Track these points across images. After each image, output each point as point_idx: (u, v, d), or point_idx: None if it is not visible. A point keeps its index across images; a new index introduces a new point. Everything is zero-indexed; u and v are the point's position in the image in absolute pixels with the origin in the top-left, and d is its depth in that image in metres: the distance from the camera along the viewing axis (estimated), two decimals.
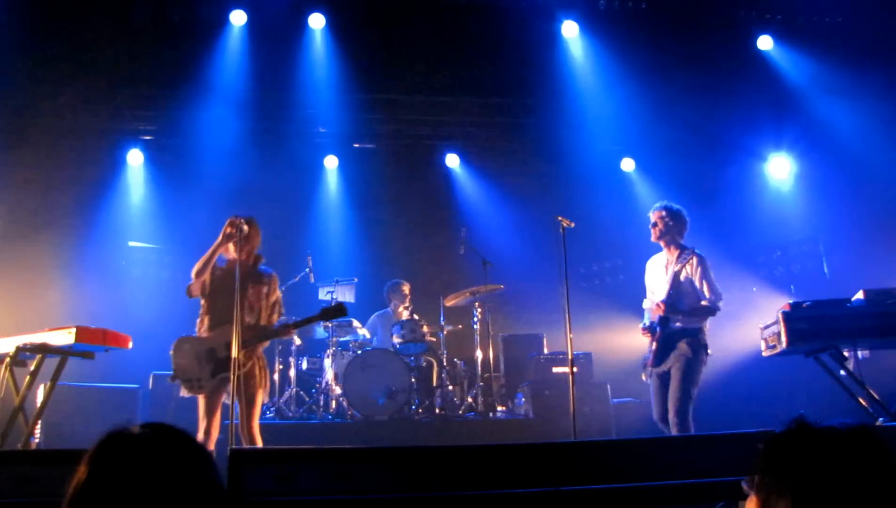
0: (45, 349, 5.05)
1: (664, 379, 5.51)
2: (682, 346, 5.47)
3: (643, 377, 5.72)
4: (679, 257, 5.62)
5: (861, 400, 5.11)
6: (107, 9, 8.48)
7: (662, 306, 5.51)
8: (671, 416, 5.36)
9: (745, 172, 9.95)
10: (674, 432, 5.32)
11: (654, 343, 5.56)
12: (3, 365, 5.06)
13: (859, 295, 5.09)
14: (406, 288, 8.88)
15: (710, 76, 8.99)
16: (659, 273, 5.76)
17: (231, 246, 5.12)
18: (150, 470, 1.39)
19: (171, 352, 5.07)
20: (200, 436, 4.89)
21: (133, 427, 1.46)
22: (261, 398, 5.15)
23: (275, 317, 5.37)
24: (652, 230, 5.75)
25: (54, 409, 6.26)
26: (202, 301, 5.25)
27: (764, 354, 5.56)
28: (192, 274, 5.18)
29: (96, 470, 1.40)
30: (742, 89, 9.28)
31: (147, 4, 8.61)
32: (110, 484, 1.38)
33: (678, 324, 5.55)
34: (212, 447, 4.82)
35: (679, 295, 5.56)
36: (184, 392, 5.05)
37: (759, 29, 9.24)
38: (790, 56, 9.16)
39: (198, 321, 5.26)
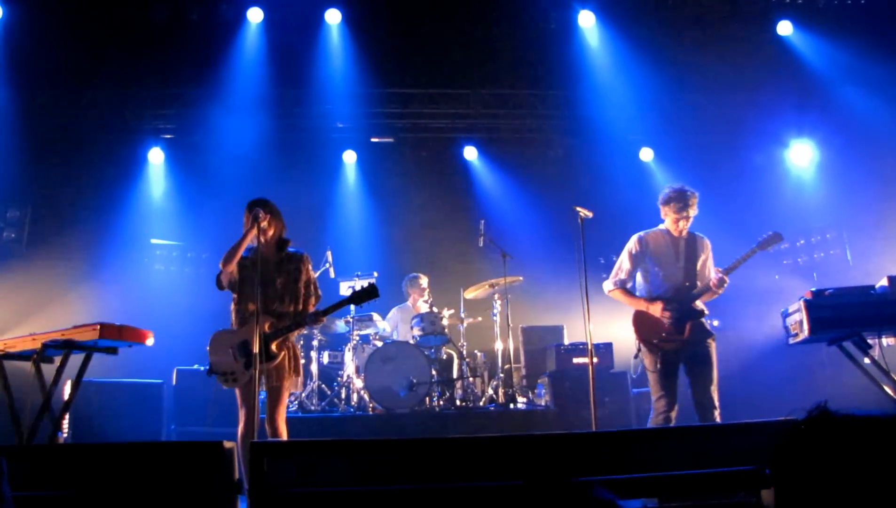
0: (70, 346, 5.13)
1: (699, 360, 5.36)
2: (710, 329, 5.49)
3: (653, 360, 5.42)
4: (695, 238, 5.63)
5: (887, 388, 5.04)
6: (126, 9, 8.58)
7: (723, 280, 5.39)
8: (716, 400, 5.27)
9: (767, 159, 9.85)
10: (718, 418, 5.22)
11: (681, 322, 5.40)
12: (31, 362, 5.16)
13: (883, 282, 5.03)
14: (424, 281, 8.89)
15: (729, 63, 8.90)
16: (668, 251, 5.61)
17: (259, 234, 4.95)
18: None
19: (207, 348, 5.00)
20: (241, 427, 4.84)
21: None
22: (287, 389, 5.02)
23: (312, 300, 5.19)
24: (691, 220, 5.62)
25: (81, 404, 6.37)
26: (233, 294, 5.10)
27: (786, 342, 5.51)
28: (221, 264, 4.99)
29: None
30: (762, 76, 9.18)
31: (166, 4, 8.69)
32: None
33: (700, 304, 5.55)
34: (255, 437, 4.69)
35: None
36: (223, 385, 5.00)
37: (778, 14, 9.13)
38: (810, 41, 9.04)
39: (231, 314, 5.14)
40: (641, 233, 5.74)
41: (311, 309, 5.15)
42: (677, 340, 5.38)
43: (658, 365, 5.36)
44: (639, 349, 5.54)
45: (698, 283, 5.49)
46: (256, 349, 4.67)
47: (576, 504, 1.34)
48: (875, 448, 1.38)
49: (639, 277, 5.71)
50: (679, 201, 5.53)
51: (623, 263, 5.72)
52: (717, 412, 5.25)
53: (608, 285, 5.74)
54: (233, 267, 5.01)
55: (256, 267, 4.80)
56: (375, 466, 3.49)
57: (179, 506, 3.29)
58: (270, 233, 5.06)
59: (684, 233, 5.60)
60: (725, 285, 5.41)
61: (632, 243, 5.73)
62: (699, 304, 5.53)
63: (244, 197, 5.18)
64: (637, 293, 5.69)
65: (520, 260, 8.66)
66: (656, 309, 5.46)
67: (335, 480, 3.44)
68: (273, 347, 4.90)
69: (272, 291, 5.00)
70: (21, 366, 5.35)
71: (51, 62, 8.54)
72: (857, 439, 1.40)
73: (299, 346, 5.33)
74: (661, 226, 5.71)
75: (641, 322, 5.54)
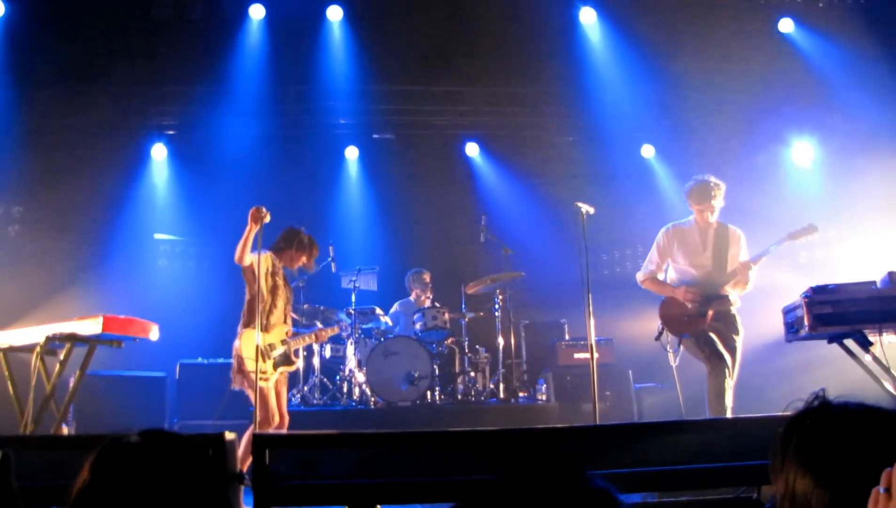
0: (73, 338, 5.16)
1: (727, 343, 5.49)
2: (739, 326, 5.60)
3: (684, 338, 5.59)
4: (726, 229, 5.75)
5: (887, 384, 5.03)
6: (129, 6, 8.60)
7: (748, 264, 5.51)
8: (733, 380, 5.40)
9: (768, 157, 9.82)
10: (731, 402, 5.35)
11: (705, 306, 5.53)
12: (34, 354, 5.19)
13: (885, 277, 5.02)
14: (427, 276, 8.91)
15: (731, 60, 8.90)
16: (694, 241, 5.74)
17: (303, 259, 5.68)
18: (146, 477, 1.45)
19: (239, 346, 5.35)
20: (256, 426, 5.11)
21: (131, 435, 1.51)
22: None
23: None
24: (717, 210, 5.73)
25: (84, 397, 6.40)
26: (252, 293, 5.46)
27: (786, 339, 5.51)
28: (236, 261, 5.31)
29: (96, 477, 1.45)
30: (763, 73, 9.17)
31: (168, 1, 8.70)
32: (109, 491, 1.44)
33: (728, 290, 5.65)
34: (284, 428, 5.37)
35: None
36: (249, 383, 5.30)
37: (779, 12, 9.12)
38: (812, 39, 9.03)
39: (259, 316, 5.36)
40: (669, 225, 5.93)
41: None
42: (699, 323, 5.51)
43: (685, 340, 5.57)
44: (660, 332, 5.70)
45: (727, 272, 5.62)
46: (259, 341, 5.10)
47: (572, 495, 1.35)
48: (872, 441, 1.38)
49: (671, 268, 5.89)
50: (700, 192, 5.69)
51: (653, 255, 5.92)
52: (730, 406, 5.35)
53: (640, 277, 5.96)
54: (249, 261, 5.30)
55: (276, 282, 5.52)
56: (376, 459, 3.50)
57: (179, 498, 3.32)
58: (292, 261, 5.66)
59: (713, 223, 5.73)
60: (751, 269, 5.51)
61: (659, 236, 5.92)
62: (727, 290, 5.61)
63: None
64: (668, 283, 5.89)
65: (521, 256, 8.68)
66: (680, 293, 5.63)
67: (335, 473, 3.46)
68: (292, 354, 5.61)
69: (290, 308, 5.70)
70: (25, 358, 5.38)
71: (53, 59, 8.54)
72: (855, 431, 1.40)
73: None
74: (690, 217, 5.87)
75: (667, 308, 5.72)
